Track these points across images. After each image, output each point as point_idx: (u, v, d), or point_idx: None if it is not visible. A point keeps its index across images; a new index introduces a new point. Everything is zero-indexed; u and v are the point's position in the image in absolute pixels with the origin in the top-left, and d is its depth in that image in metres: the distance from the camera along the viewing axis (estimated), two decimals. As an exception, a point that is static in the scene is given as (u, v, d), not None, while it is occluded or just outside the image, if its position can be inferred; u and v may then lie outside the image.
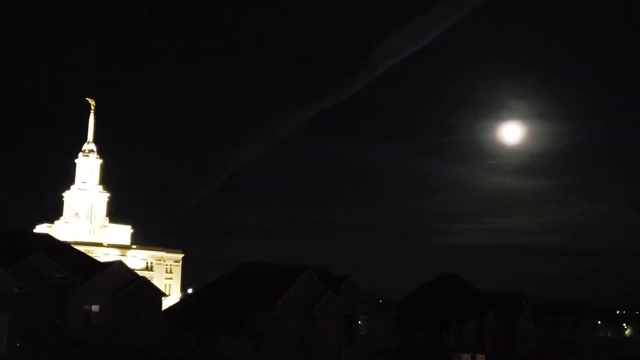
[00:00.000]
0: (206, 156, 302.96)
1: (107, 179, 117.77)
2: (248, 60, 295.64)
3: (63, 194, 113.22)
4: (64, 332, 48.55)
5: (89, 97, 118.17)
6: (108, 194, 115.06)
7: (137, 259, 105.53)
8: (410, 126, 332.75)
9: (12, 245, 51.42)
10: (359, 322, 62.95)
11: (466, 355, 59.04)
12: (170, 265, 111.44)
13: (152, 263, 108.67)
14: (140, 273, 67.61)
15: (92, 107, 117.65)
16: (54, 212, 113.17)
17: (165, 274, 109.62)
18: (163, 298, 58.34)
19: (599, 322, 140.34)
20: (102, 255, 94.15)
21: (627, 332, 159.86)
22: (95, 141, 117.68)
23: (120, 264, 56.84)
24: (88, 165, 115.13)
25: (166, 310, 61.45)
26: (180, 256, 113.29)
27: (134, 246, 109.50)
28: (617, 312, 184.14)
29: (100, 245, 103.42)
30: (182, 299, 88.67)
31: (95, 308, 51.63)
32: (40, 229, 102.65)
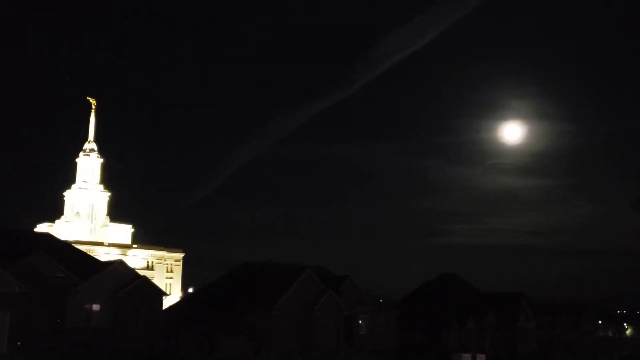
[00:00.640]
0: (206, 156, 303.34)
1: (108, 179, 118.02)
2: (248, 59, 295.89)
3: (64, 193, 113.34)
4: (65, 331, 48.63)
5: (90, 97, 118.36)
6: (109, 193, 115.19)
7: (137, 259, 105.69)
8: (410, 126, 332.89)
9: (12, 245, 51.50)
10: (359, 322, 63.00)
11: (466, 355, 59.06)
12: (171, 264, 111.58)
13: (152, 262, 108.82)
14: (141, 272, 67.71)
15: (93, 107, 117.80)
16: (55, 211, 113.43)
17: (165, 273, 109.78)
18: (164, 297, 58.39)
19: (600, 322, 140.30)
20: (103, 255, 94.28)
21: (628, 332, 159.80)
22: (96, 140, 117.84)
23: (120, 263, 56.89)
24: (89, 164, 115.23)
25: (167, 309, 61.55)
26: (180, 255, 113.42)
27: (134, 245, 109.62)
28: (618, 311, 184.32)
29: (101, 244, 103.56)
30: (182, 299, 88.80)
31: (95, 307, 51.69)
32: (41, 228, 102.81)
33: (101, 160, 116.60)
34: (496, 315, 78.29)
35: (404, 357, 62.65)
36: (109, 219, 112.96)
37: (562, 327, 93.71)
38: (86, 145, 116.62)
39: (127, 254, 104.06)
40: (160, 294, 57.46)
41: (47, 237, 65.79)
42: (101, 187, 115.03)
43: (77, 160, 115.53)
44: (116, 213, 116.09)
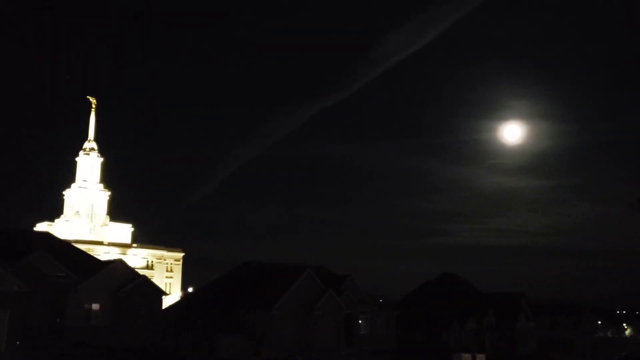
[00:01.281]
0: (206, 155, 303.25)
1: (108, 178, 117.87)
2: (248, 59, 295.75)
3: (63, 192, 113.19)
4: (64, 330, 48.59)
5: (90, 96, 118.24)
6: (109, 193, 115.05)
7: (137, 258, 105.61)
8: (410, 126, 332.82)
9: (12, 244, 51.46)
10: (359, 322, 62.94)
11: (466, 355, 58.98)
12: (171, 264, 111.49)
13: (152, 262, 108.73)
14: (141, 272, 67.63)
15: (93, 106, 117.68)
16: (55, 210, 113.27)
17: (165, 272, 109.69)
18: (163, 297, 58.34)
19: (599, 322, 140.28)
20: (103, 254, 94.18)
21: (627, 332, 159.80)
22: (96, 139, 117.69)
23: (120, 263, 56.84)
24: (89, 163, 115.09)
25: (166, 309, 61.48)
26: (180, 255, 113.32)
27: (134, 245, 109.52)
28: (617, 312, 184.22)
29: (100, 243, 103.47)
30: (182, 298, 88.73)
31: (95, 307, 51.66)
32: (41, 227, 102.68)
33: (101, 159, 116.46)
34: (496, 315, 78.24)
35: (404, 357, 62.57)
36: (108, 218, 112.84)
37: (562, 327, 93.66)
38: (86, 145, 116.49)
39: (127, 253, 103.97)
40: (160, 293, 57.40)
41: (47, 236, 65.74)
42: (101, 186, 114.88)
43: (77, 159, 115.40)
44: (116, 212, 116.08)
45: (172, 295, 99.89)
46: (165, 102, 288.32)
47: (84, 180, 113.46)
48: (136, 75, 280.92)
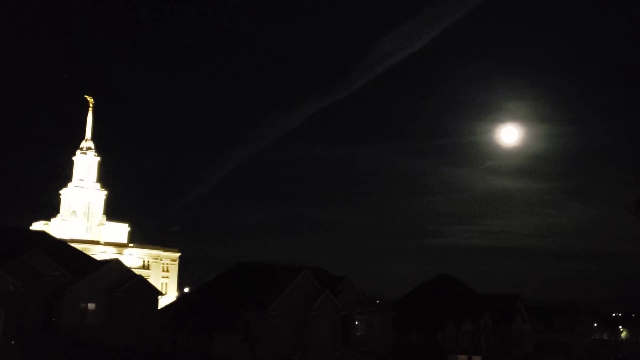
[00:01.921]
0: (203, 155, 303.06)
1: (105, 177, 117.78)
2: (245, 60, 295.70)
3: (60, 192, 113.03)
4: (59, 330, 48.46)
5: (88, 95, 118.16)
6: (105, 192, 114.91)
7: (133, 257, 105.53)
8: (406, 127, 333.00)
9: (7, 243, 51.31)
10: (356, 323, 62.93)
11: (462, 356, 59.07)
12: (167, 264, 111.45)
13: (148, 261, 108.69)
14: (137, 271, 67.58)
15: (91, 105, 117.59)
16: (51, 209, 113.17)
17: (161, 272, 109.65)
18: (159, 297, 58.26)
19: (595, 325, 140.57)
20: (99, 253, 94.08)
21: (623, 334, 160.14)
22: (93, 139, 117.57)
23: (116, 262, 56.76)
24: (86, 162, 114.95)
25: (162, 309, 61.41)
26: (177, 255, 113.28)
27: (130, 244, 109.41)
28: (613, 314, 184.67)
29: (97, 243, 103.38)
30: (178, 298, 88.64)
31: (91, 306, 51.54)
32: (37, 226, 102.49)
33: (98, 158, 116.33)
34: (492, 317, 78.36)
35: (400, 358, 62.59)
36: (105, 218, 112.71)
37: (558, 329, 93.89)
38: (83, 144, 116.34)
39: (123, 253, 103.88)
40: (156, 293, 57.32)
41: (43, 235, 65.60)
42: (98, 185, 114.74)
43: (74, 158, 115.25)
44: (113, 212, 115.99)
45: (168, 295, 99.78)
46: (163, 102, 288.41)
47: (81, 180, 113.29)
48: (134, 75, 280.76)
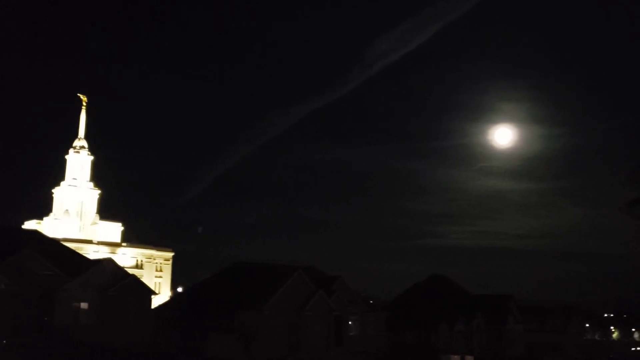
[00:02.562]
0: (197, 154, 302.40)
1: (98, 176, 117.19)
2: (240, 60, 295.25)
3: (53, 190, 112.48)
4: (52, 329, 48.23)
5: (81, 93, 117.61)
6: (99, 191, 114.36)
7: (127, 257, 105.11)
8: (401, 128, 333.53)
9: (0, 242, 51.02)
10: (349, 323, 63.00)
11: (455, 356, 59.28)
12: (161, 263, 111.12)
13: (142, 261, 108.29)
14: (130, 271, 67.31)
15: (84, 103, 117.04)
16: (43, 208, 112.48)
17: (155, 272, 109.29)
18: (153, 296, 58.11)
19: (587, 325, 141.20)
20: (92, 253, 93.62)
21: (615, 335, 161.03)
22: (86, 137, 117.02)
23: (110, 262, 56.57)
24: (79, 161, 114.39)
25: (156, 308, 61.27)
26: (170, 255, 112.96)
27: (124, 244, 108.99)
28: (605, 315, 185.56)
29: (90, 242, 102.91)
30: (172, 298, 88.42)
31: (84, 306, 51.31)
32: (29, 225, 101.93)
33: (91, 157, 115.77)
34: (485, 317, 78.61)
35: (393, 358, 62.71)
36: (98, 217, 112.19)
37: (550, 329, 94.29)
38: (76, 142, 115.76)
39: (116, 252, 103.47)
40: (149, 292, 57.18)
41: (35, 234, 65.28)
42: (91, 184, 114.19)
43: (67, 157, 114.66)
44: (106, 211, 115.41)
45: (162, 295, 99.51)
46: (157, 101, 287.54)
47: (74, 179, 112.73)
48: (128, 74, 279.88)
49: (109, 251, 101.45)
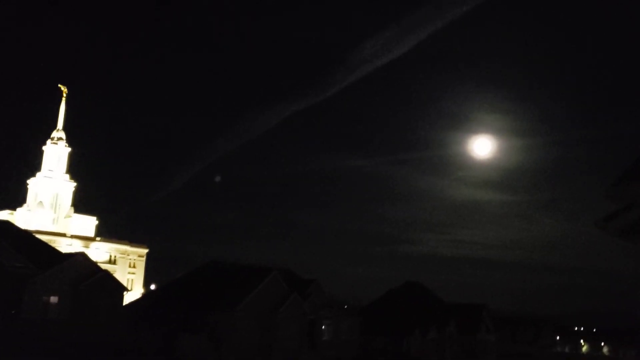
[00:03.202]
0: (176, 150, 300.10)
1: (75, 169, 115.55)
2: (223, 57, 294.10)
3: (27, 181, 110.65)
4: (20, 322, 47.30)
5: (62, 84, 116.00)
6: (75, 184, 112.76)
7: (100, 252, 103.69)
8: (381, 134, 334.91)
9: (-30, 231, 49.99)
10: (323, 327, 62.83)
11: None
12: (134, 259, 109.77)
13: (115, 256, 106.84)
14: (103, 266, 66.47)
15: (64, 95, 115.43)
16: (17, 199, 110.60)
17: (128, 268, 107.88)
18: (125, 293, 57.41)
19: (558, 338, 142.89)
20: (65, 246, 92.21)
21: (584, 348, 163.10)
22: (65, 129, 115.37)
23: (82, 256, 55.77)
24: (56, 153, 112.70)
25: (127, 305, 60.48)
26: (144, 251, 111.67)
27: (98, 238, 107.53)
28: (575, 328, 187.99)
29: (63, 235, 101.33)
30: (144, 295, 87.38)
31: (53, 300, 50.44)
32: (1, 215, 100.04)
33: (69, 149, 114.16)
34: (457, 326, 79.04)
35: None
36: (73, 210, 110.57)
37: (522, 340, 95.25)
38: (54, 134, 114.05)
39: (89, 246, 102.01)
40: (121, 289, 56.48)
41: (7, 225, 63.99)
42: (67, 176, 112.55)
43: (44, 148, 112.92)
44: (81, 204, 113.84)
45: (134, 292, 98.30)
46: (138, 95, 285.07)
47: (50, 170, 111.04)
48: (109, 67, 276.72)
49: (83, 245, 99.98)
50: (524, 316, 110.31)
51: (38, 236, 68.62)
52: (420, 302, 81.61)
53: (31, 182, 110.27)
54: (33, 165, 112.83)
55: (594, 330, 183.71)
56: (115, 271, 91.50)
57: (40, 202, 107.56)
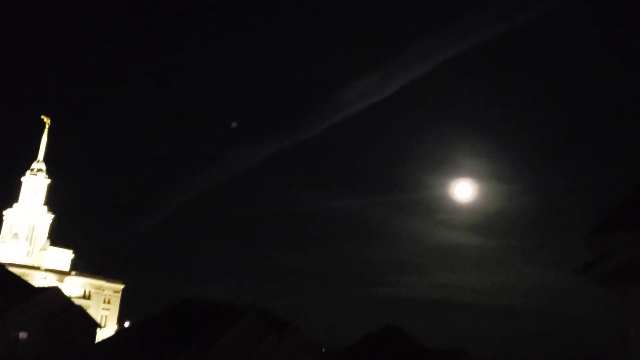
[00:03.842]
0: (156, 186, 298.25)
1: (54, 201, 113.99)
2: (208, 90, 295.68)
3: (4, 212, 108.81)
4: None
5: (45, 115, 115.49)
6: (52, 216, 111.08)
7: (75, 286, 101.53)
8: (364, 175, 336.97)
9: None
10: (299, 370, 61.74)
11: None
12: (109, 295, 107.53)
13: (90, 292, 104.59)
14: (77, 301, 65.12)
15: (47, 125, 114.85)
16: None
17: (102, 304, 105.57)
18: (98, 329, 56.07)
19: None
20: (39, 280, 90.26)
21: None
22: (45, 160, 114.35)
23: (55, 290, 54.65)
24: (35, 184, 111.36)
25: (100, 342, 58.97)
26: (120, 287, 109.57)
27: (73, 272, 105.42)
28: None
29: (37, 269, 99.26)
30: (117, 332, 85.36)
31: (23, 335, 49.06)
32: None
33: (48, 181, 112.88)
34: (436, 372, 77.99)
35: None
36: (49, 243, 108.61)
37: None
38: (34, 165, 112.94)
39: (64, 281, 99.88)
40: (94, 325, 55.26)
41: (-20, 256, 62.73)
42: (45, 208, 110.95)
43: (22, 178, 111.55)
44: (58, 237, 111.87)
45: (108, 328, 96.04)
46: (121, 128, 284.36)
47: (28, 201, 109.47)
48: (92, 98, 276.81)
49: (57, 279, 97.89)
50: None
51: (11, 269, 67.17)
52: (400, 347, 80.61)
53: (7, 214, 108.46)
54: (10, 196, 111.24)
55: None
56: (89, 307, 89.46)
57: (16, 234, 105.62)
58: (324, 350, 73.32)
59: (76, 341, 51.86)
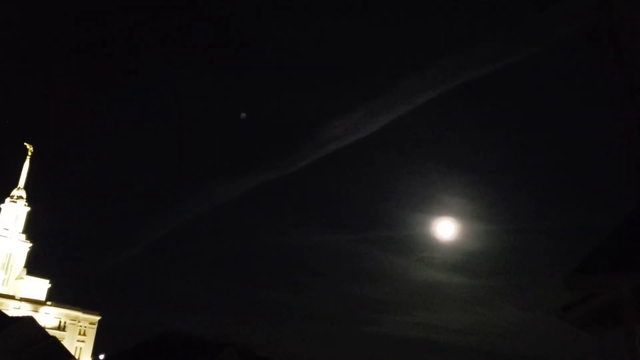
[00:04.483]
0: (137, 217, 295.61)
1: (32, 229, 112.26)
2: (192, 122, 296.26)
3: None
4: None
5: (28, 143, 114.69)
6: (30, 244, 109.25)
7: (50, 317, 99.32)
8: (346, 211, 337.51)
9: None
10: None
11: None
12: (85, 327, 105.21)
13: (65, 322, 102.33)
14: (52, 332, 63.65)
15: (29, 153, 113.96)
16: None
17: (78, 335, 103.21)
18: (71, 362, 54.73)
19: None
20: (13, 309, 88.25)
21: None
22: (26, 188, 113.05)
23: (29, 320, 53.37)
24: (14, 211, 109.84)
25: (72, 376, 57.55)
26: (96, 318, 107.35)
27: (48, 302, 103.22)
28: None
29: (12, 298, 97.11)
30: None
31: (-7, 366, 47.73)
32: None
33: (28, 209, 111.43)
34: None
35: None
36: (25, 272, 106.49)
37: None
38: (14, 192, 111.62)
39: (39, 311, 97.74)
40: (69, 357, 53.91)
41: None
42: (23, 236, 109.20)
43: (1, 206, 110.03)
44: (35, 266, 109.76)
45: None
46: (105, 158, 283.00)
47: (6, 229, 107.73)
48: (74, 126, 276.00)
49: (32, 309, 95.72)
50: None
51: (-15, 297, 65.69)
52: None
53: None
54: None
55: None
56: (64, 338, 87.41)
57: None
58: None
59: (48, 374, 50.50)
